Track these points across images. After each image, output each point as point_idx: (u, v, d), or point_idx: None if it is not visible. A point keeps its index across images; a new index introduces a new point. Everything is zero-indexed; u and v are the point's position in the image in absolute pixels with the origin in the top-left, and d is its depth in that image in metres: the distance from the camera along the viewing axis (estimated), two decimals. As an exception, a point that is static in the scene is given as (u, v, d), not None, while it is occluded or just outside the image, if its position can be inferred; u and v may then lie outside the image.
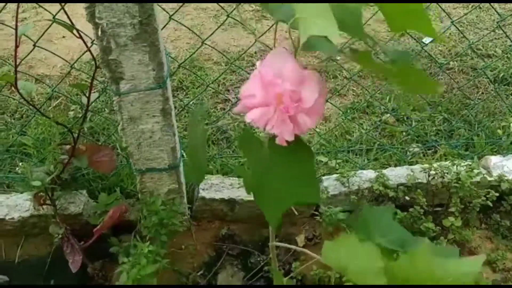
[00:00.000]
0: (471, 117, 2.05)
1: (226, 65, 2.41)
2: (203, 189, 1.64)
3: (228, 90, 2.26)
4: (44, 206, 1.47)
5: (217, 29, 1.66)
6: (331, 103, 2.03)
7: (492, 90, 2.22)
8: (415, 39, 2.13)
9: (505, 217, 1.62)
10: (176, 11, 1.39)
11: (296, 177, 0.73)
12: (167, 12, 1.31)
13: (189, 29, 1.54)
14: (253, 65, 2.39)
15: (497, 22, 1.94)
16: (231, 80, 2.31)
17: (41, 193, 1.43)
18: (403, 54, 0.71)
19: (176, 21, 1.38)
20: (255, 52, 2.50)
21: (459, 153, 1.87)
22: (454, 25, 1.67)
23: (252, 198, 1.64)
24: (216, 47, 2.49)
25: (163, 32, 2.43)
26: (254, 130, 1.80)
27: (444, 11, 1.94)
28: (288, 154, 0.73)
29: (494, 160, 1.71)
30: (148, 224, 1.40)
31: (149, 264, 1.31)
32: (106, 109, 2.05)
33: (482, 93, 2.23)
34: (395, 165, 1.84)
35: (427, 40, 2.58)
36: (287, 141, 0.69)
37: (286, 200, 0.74)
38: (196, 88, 2.24)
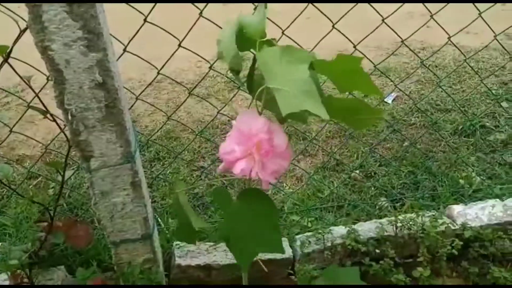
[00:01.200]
0: (434, 168, 2.16)
1: (201, 135, 2.52)
2: (179, 256, 1.67)
3: (204, 158, 2.35)
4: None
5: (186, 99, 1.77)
6: (299, 166, 2.13)
7: (453, 142, 2.35)
8: (377, 99, 2.29)
9: (474, 264, 1.67)
10: (141, 93, 1.50)
11: (261, 228, 0.84)
12: (133, 94, 1.42)
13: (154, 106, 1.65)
14: (226, 132, 2.50)
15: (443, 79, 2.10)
16: (206, 148, 2.41)
17: (19, 271, 1.46)
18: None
19: (143, 100, 1.48)
20: (228, 120, 2.63)
21: (425, 204, 1.95)
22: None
23: (229, 262, 1.69)
24: (190, 118, 2.62)
25: (140, 107, 2.57)
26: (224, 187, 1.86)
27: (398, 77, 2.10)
28: (254, 207, 0.85)
29: (457, 209, 1.79)
30: (125, 296, 1.43)
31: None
32: (84, 184, 2.12)
33: (444, 145, 2.35)
34: (365, 220, 1.91)
35: (389, 99, 2.74)
36: (253, 196, 0.81)
37: (253, 248, 0.85)
38: (173, 158, 2.33)
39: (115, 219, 1.36)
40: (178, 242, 1.74)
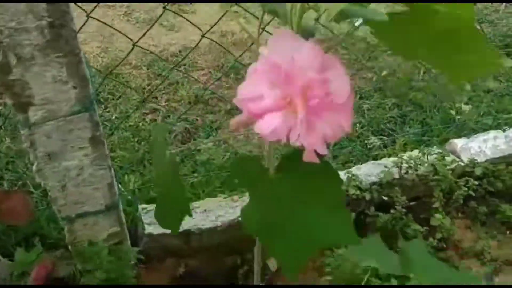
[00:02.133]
0: (421, 99, 1.96)
1: (148, 69, 2.09)
2: (149, 224, 1.34)
3: (157, 98, 1.95)
4: None
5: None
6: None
7: (432, 69, 2.15)
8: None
9: (481, 203, 1.52)
10: (92, 10, 1.06)
11: (321, 213, 0.53)
12: (83, 10, 0.98)
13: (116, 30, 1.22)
14: (180, 66, 2.10)
15: None
16: (156, 85, 2.00)
17: None
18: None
19: (94, 18, 1.06)
20: (179, 51, 2.21)
21: (417, 140, 1.76)
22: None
23: (211, 226, 1.36)
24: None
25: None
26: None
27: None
28: (306, 181, 0.54)
29: (459, 143, 1.60)
30: (91, 282, 1.09)
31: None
32: (6, 138, 1.65)
33: (424, 72, 2.15)
34: (355, 162, 1.68)
35: (358, 22, 2.46)
36: (303, 166, 0.47)
37: (310, 245, 0.55)
38: (117, 99, 1.91)
39: (69, 188, 0.99)
40: (145, 206, 1.40)
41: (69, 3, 0.74)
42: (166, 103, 1.92)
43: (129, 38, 1.09)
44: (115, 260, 1.13)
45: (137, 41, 1.07)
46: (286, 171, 0.54)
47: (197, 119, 1.86)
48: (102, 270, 1.10)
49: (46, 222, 1.32)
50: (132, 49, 1.11)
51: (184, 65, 2.11)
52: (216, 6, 2.31)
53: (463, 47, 0.45)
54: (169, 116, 1.87)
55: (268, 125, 0.45)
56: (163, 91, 1.96)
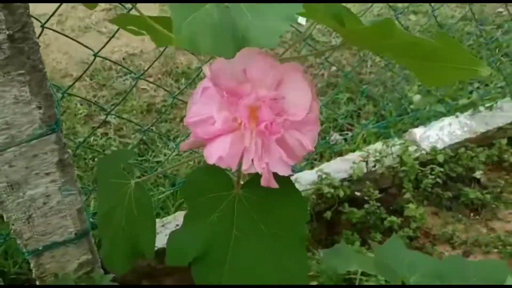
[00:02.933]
0: (373, 92, 1.99)
1: (91, 79, 1.96)
2: (118, 246, 1.24)
3: (105, 109, 1.83)
4: None
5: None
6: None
7: (379, 61, 2.20)
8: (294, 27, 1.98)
9: (445, 189, 1.57)
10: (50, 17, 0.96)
11: (277, 246, 0.46)
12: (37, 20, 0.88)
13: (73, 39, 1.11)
14: (125, 74, 1.99)
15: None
16: (104, 96, 1.88)
17: None
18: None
19: (50, 29, 0.96)
20: (123, 59, 2.09)
21: (374, 132, 1.78)
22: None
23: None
24: (71, 60, 2.03)
25: None
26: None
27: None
28: (270, 206, 0.47)
29: (418, 132, 1.65)
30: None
31: None
32: None
33: (371, 65, 2.19)
34: (319, 160, 1.68)
35: (302, 20, 2.47)
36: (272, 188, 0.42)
37: (253, 279, 0.47)
38: (62, 115, 1.77)
39: (35, 219, 0.89)
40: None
41: (28, 13, 0.65)
42: (116, 114, 1.81)
43: (89, 49, 1.00)
44: (89, 290, 1.03)
45: (99, 51, 0.98)
46: (252, 191, 0.47)
47: (152, 129, 1.77)
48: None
49: (3, 257, 1.18)
50: (94, 59, 1.02)
51: (130, 72, 2.00)
52: (157, 10, 2.21)
53: (441, 56, 0.43)
54: (122, 129, 1.77)
55: (216, 152, 0.40)
56: (112, 102, 1.85)
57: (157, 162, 1.63)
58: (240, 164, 0.41)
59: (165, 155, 1.66)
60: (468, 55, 0.43)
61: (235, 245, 0.46)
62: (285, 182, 0.43)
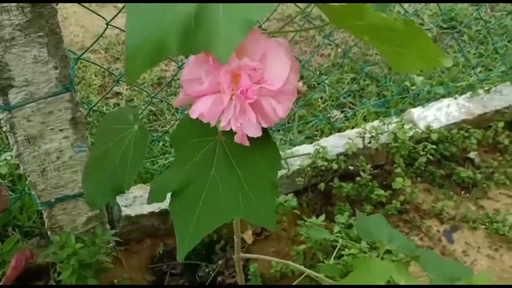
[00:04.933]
0: (376, 73, 2.04)
1: (106, 52, 2.05)
2: (125, 206, 1.34)
3: (118, 81, 1.92)
4: None
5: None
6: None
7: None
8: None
9: (438, 167, 1.64)
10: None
11: (250, 188, 0.53)
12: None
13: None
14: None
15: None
16: (117, 69, 1.97)
17: None
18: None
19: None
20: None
21: (376, 111, 1.84)
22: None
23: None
24: (87, 33, 2.12)
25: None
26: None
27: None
28: (248, 152, 0.52)
29: (416, 112, 1.71)
30: (67, 270, 1.08)
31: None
32: None
33: (377, 48, 2.23)
34: (320, 136, 1.75)
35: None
36: (250, 139, 0.49)
37: (223, 214, 0.53)
38: (77, 85, 1.86)
39: (49, 172, 0.98)
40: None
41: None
42: (129, 86, 1.90)
43: (103, 18, 1.07)
44: (90, 244, 1.12)
45: (111, 20, 1.06)
46: (233, 138, 0.51)
47: (161, 101, 1.86)
48: (76, 257, 1.09)
49: (18, 211, 1.29)
50: (106, 28, 1.10)
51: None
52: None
53: (408, 44, 0.46)
54: (132, 100, 1.86)
55: (197, 109, 0.47)
56: (124, 75, 1.93)
57: (166, 132, 1.72)
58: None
59: (172, 126, 1.75)
60: (432, 45, 0.46)
61: (211, 184, 0.53)
62: (263, 134, 0.49)
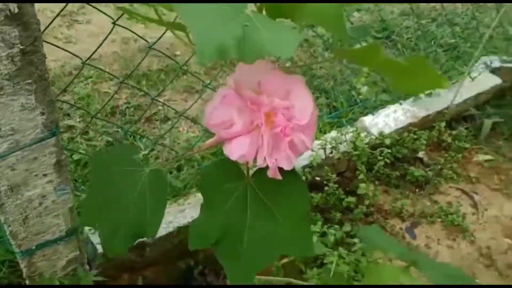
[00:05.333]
0: (324, 85, 2.15)
1: (52, 85, 1.98)
2: (99, 244, 1.31)
3: (69, 115, 1.86)
4: None
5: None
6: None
7: (326, 57, 2.37)
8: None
9: (393, 169, 1.75)
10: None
11: (285, 223, 0.56)
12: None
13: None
14: (86, 78, 2.03)
15: None
16: (65, 102, 1.91)
17: None
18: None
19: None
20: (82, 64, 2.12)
21: (330, 122, 1.94)
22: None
23: (164, 232, 1.38)
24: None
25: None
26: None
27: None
28: (277, 190, 0.56)
29: (367, 120, 1.81)
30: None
31: None
32: None
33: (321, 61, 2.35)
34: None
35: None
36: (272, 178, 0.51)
37: (268, 254, 0.57)
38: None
39: (30, 219, 0.95)
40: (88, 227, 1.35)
41: (39, 28, 0.72)
42: (81, 118, 1.85)
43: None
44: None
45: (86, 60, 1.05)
46: (261, 180, 0.55)
47: (117, 131, 1.83)
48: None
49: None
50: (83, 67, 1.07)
51: (91, 77, 2.04)
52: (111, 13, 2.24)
53: (410, 72, 0.53)
54: (88, 132, 1.81)
55: (237, 150, 0.50)
56: (75, 107, 1.88)
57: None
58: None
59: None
60: (433, 72, 0.50)
61: (250, 225, 0.55)
62: (290, 171, 0.53)
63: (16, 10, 0.64)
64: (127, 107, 1.92)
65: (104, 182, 0.64)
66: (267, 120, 0.50)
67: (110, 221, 0.63)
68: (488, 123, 2.00)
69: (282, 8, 0.48)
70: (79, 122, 1.84)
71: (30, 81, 0.73)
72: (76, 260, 1.15)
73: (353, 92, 2.05)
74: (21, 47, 0.69)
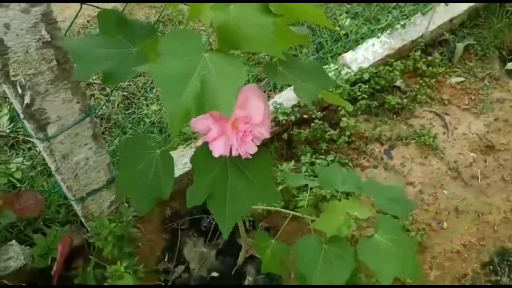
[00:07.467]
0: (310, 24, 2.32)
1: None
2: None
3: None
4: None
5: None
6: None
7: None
8: None
9: (372, 99, 1.99)
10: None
11: (256, 184, 0.80)
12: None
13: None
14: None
15: None
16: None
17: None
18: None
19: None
20: (87, 21, 2.33)
21: (316, 60, 2.15)
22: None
23: (182, 172, 1.69)
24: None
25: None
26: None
27: None
28: (247, 164, 0.79)
29: (348, 56, 2.03)
30: (108, 245, 1.38)
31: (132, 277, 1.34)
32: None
33: None
34: (271, 90, 2.05)
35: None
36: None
37: (243, 209, 0.80)
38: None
39: (80, 175, 1.26)
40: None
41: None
42: (97, 75, 2.10)
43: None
44: (117, 221, 1.42)
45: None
46: (234, 159, 0.76)
47: (130, 85, 2.08)
48: (112, 235, 1.39)
49: (46, 206, 1.55)
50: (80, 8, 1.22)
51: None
52: None
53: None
54: (104, 88, 2.07)
55: (217, 149, 0.73)
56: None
57: (143, 115, 1.97)
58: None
59: (147, 106, 2.00)
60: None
61: (231, 186, 0.78)
62: (262, 152, 0.77)
63: (49, 39, 0.89)
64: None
65: (130, 163, 0.85)
66: (233, 126, 0.73)
67: (137, 191, 0.84)
68: (460, 46, 2.18)
69: (232, 43, 0.70)
70: (96, 79, 2.10)
71: (65, 82, 1.00)
72: (116, 201, 1.47)
73: (337, 28, 2.23)
74: (56, 61, 0.94)
